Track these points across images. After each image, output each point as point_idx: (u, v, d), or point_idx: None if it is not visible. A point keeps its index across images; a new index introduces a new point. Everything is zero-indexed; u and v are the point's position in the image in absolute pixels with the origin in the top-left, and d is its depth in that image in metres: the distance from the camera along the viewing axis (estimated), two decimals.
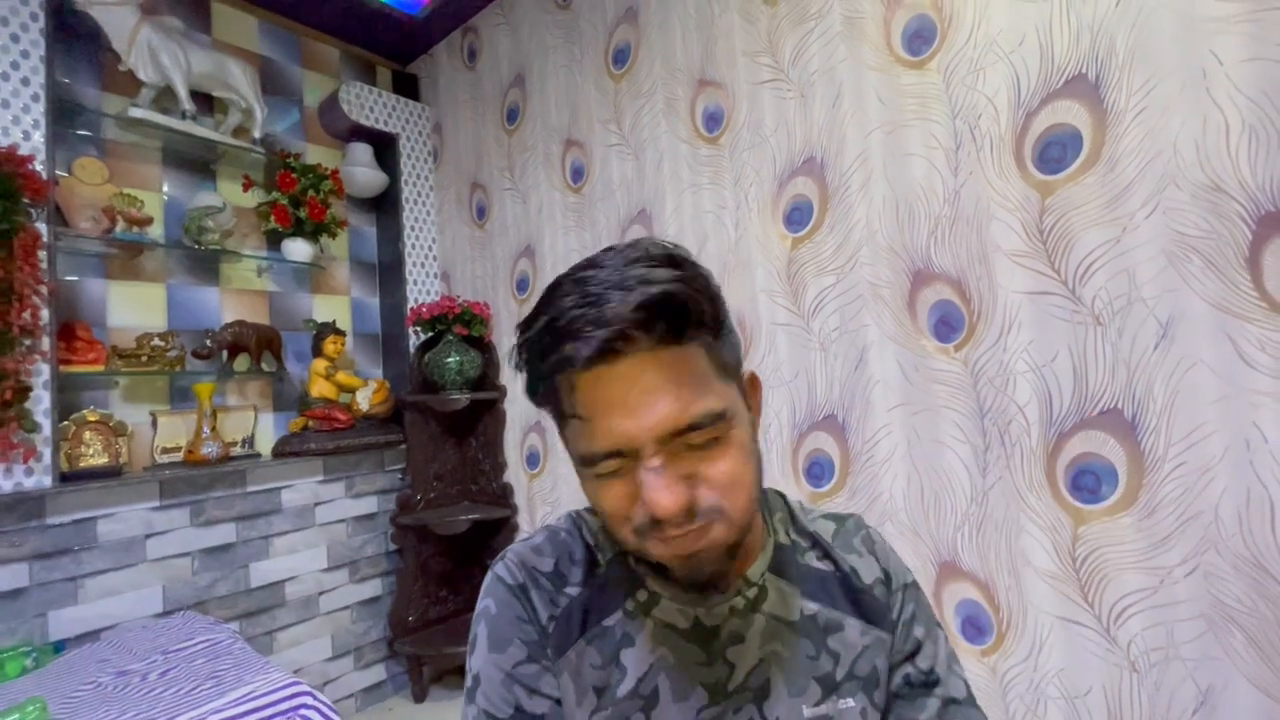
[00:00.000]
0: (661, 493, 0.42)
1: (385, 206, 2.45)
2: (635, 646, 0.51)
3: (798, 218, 1.51)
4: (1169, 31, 1.04)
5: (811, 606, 0.53)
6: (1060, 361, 1.17)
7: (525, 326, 0.46)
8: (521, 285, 2.21)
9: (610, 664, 0.50)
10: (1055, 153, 1.16)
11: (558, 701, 0.49)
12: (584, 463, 0.45)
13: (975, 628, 1.27)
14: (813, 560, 0.56)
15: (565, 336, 0.42)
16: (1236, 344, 1.00)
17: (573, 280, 0.44)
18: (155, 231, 1.87)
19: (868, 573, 0.55)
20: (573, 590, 0.52)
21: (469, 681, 0.51)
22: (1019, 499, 1.21)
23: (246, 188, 2.06)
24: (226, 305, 2.05)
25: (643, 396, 0.42)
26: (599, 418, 0.43)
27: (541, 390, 0.47)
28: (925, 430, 1.33)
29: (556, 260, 2.07)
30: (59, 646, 1.51)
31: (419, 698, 2.13)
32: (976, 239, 1.26)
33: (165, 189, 1.94)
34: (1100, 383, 1.13)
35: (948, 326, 1.30)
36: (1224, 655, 1.02)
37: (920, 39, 1.31)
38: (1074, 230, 1.14)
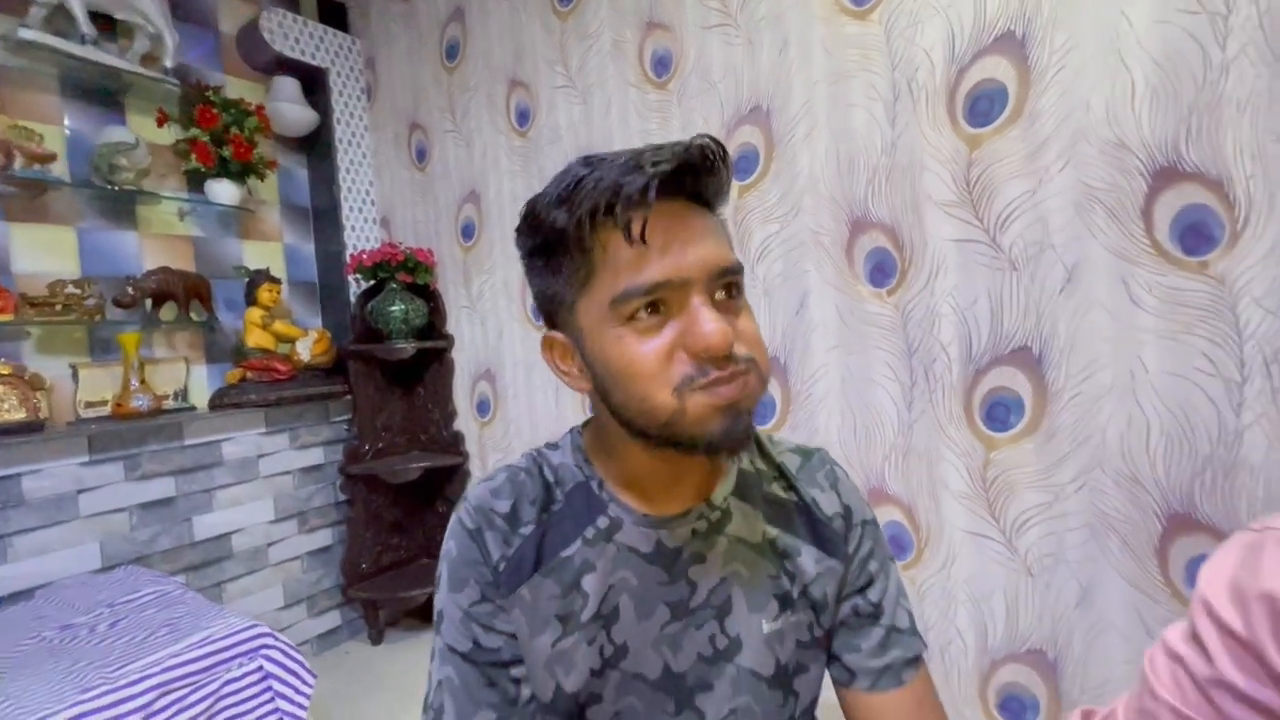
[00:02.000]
0: (714, 323, 0.43)
1: (316, 147, 2.32)
2: (596, 571, 0.53)
3: (744, 166, 1.55)
4: None
5: (772, 531, 0.56)
6: (980, 304, 1.27)
7: (557, 184, 0.46)
8: (467, 231, 2.17)
9: (571, 591, 0.53)
10: (983, 106, 1.24)
11: (512, 636, 0.52)
12: (628, 297, 0.44)
13: (898, 545, 1.41)
14: (777, 490, 0.59)
15: (627, 171, 0.42)
16: (1129, 287, 1.12)
17: (599, 155, 0.46)
18: (59, 169, 1.72)
19: (828, 506, 0.58)
20: (526, 530, 0.54)
21: (436, 616, 0.54)
22: (940, 430, 1.34)
23: (161, 123, 1.90)
24: (147, 251, 1.92)
25: (695, 235, 0.45)
26: (654, 250, 0.44)
27: (572, 239, 0.45)
28: (858, 370, 1.43)
29: (503, 206, 2.03)
30: None
31: (376, 640, 2.18)
32: (910, 189, 1.33)
33: (67, 122, 1.77)
34: (1013, 323, 1.24)
35: (882, 273, 1.39)
36: (1102, 557, 1.18)
37: None
38: (997, 181, 1.23)
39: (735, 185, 1.56)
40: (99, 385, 1.79)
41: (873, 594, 0.57)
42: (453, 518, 0.56)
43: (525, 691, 0.52)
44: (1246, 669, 0.44)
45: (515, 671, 0.52)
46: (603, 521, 0.54)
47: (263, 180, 2.12)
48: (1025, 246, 1.21)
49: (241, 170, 2.00)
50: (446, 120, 2.16)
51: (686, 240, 0.45)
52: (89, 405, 1.76)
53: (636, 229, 0.43)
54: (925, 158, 1.30)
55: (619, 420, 0.49)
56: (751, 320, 0.48)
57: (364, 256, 2.09)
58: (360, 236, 2.33)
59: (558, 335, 0.51)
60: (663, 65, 1.66)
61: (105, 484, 1.68)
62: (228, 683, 1.19)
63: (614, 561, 0.53)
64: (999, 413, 1.27)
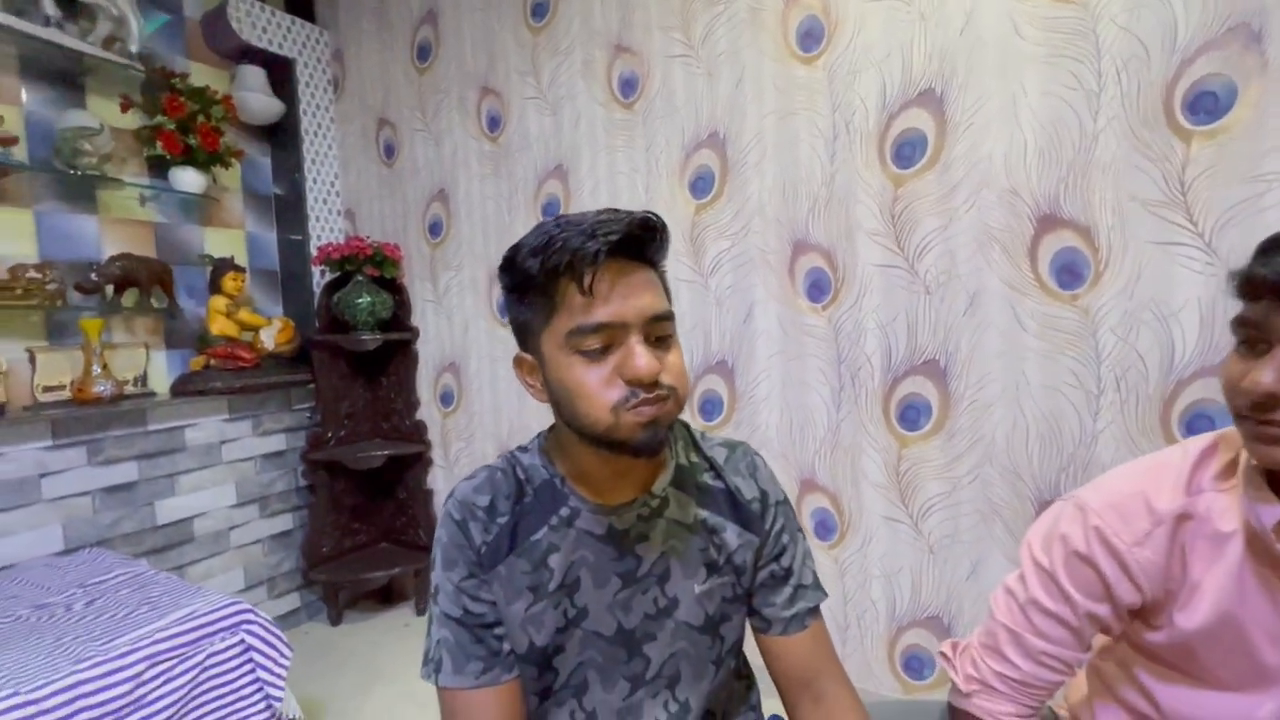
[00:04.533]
0: (644, 358, 0.55)
1: (281, 136, 2.33)
2: (560, 551, 0.64)
3: (701, 186, 1.70)
4: (993, 62, 1.32)
5: (702, 513, 0.68)
6: (899, 321, 1.47)
7: (533, 237, 0.57)
8: (434, 229, 2.24)
9: (540, 567, 0.64)
10: (907, 151, 1.43)
11: (493, 603, 0.65)
12: (579, 333, 0.56)
13: (825, 528, 1.62)
14: (707, 479, 0.71)
15: (585, 237, 0.54)
16: (1016, 312, 1.34)
17: (567, 217, 0.57)
18: (18, 153, 1.71)
19: (748, 491, 0.70)
20: (502, 519, 0.65)
21: (432, 590, 0.66)
22: (862, 429, 1.54)
23: (125, 108, 1.89)
24: (107, 235, 1.91)
25: (634, 288, 0.57)
26: (600, 299, 0.55)
27: (540, 284, 0.57)
28: (795, 374, 1.61)
29: (472, 207, 2.12)
30: None
31: (335, 621, 2.25)
32: (845, 217, 1.52)
33: (26, 104, 1.75)
34: (925, 339, 1.45)
35: (818, 289, 1.57)
36: (989, 538, 1.41)
37: (811, 38, 1.51)
38: (916, 216, 1.43)
39: (693, 203, 1.72)
40: (57, 369, 1.79)
41: (784, 560, 0.71)
42: (442, 511, 0.68)
43: (506, 646, 0.65)
44: (1049, 591, 0.65)
45: (498, 631, 0.65)
46: (565, 511, 0.65)
47: (228, 168, 2.13)
48: (937, 274, 1.42)
49: (208, 159, 2.01)
50: (416, 119, 2.22)
51: (627, 293, 0.56)
52: (47, 390, 1.76)
53: (586, 282, 0.55)
54: (858, 191, 1.49)
55: (570, 428, 0.61)
56: (679, 356, 0.60)
57: (332, 250, 2.14)
58: (325, 228, 2.37)
59: (526, 356, 0.63)
60: (629, 87, 1.79)
61: (68, 468, 1.69)
62: (211, 655, 1.27)
63: (574, 543, 0.64)
64: (911, 415, 1.48)
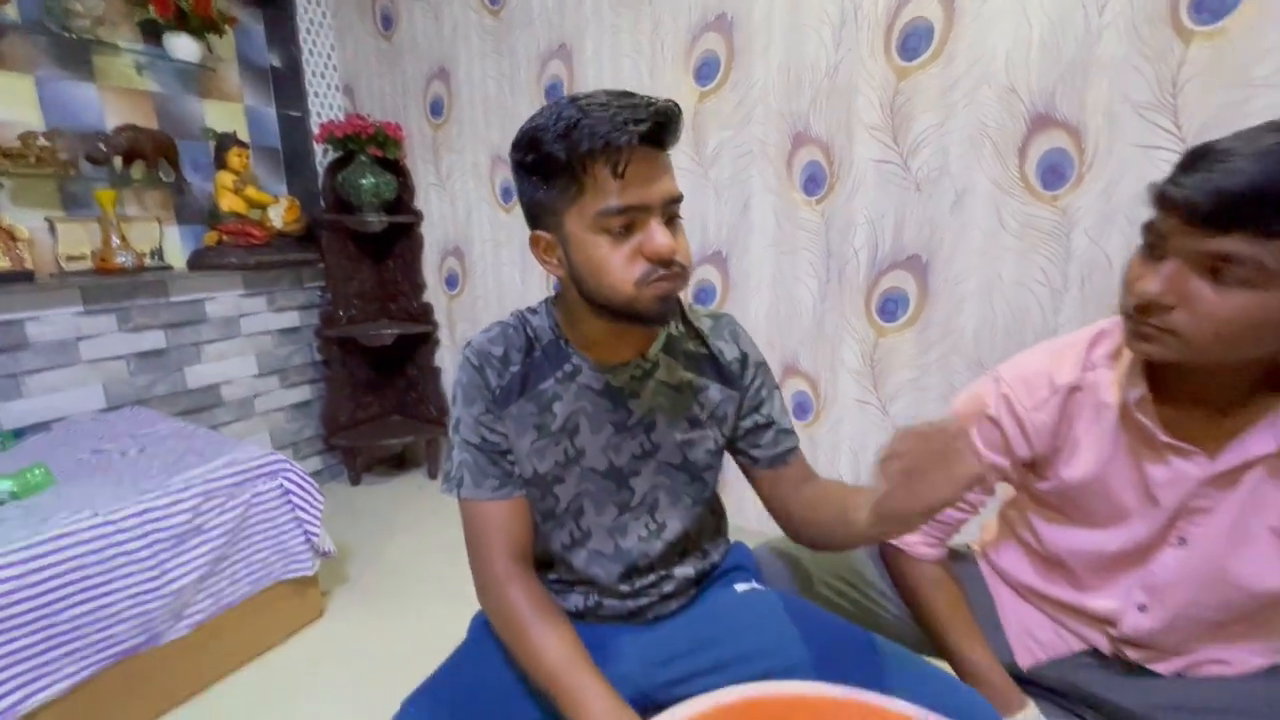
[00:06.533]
0: (665, 238, 0.62)
1: (274, 2, 2.24)
2: (563, 400, 0.74)
3: (706, 72, 1.69)
4: None
5: (688, 375, 0.78)
6: (887, 218, 1.53)
7: (552, 120, 0.60)
8: (435, 109, 2.22)
9: (545, 411, 0.74)
10: (913, 43, 1.42)
11: (505, 435, 0.77)
12: (606, 214, 0.61)
13: (802, 409, 1.77)
14: (693, 346, 0.79)
15: (613, 126, 0.58)
16: (999, 211, 1.40)
17: (585, 98, 0.61)
18: (10, 11, 1.67)
19: (730, 353, 0.80)
20: (514, 369, 0.74)
21: (453, 423, 0.78)
22: (844, 320, 1.65)
23: None
24: (108, 105, 1.91)
25: (656, 173, 0.62)
26: (628, 183, 0.60)
27: (567, 167, 0.61)
28: (786, 268, 1.69)
29: (474, 87, 2.09)
30: (18, 433, 1.63)
31: (355, 481, 2.48)
32: (845, 110, 1.53)
33: None
34: (911, 235, 1.52)
35: (814, 183, 1.62)
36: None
37: None
38: (914, 112, 1.45)
39: (697, 90, 1.71)
40: (77, 240, 1.85)
41: (764, 410, 0.82)
42: (460, 358, 0.79)
43: (516, 470, 0.78)
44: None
45: (510, 457, 0.77)
46: (569, 367, 0.75)
47: (221, 36, 2.08)
48: (929, 171, 1.46)
49: (201, 25, 1.95)
50: None
51: (650, 177, 0.62)
52: (70, 259, 1.84)
53: (620, 169, 0.60)
54: (860, 83, 1.49)
55: (586, 300, 0.67)
56: (684, 239, 0.67)
57: (334, 128, 2.13)
58: (324, 104, 2.34)
59: (544, 234, 0.68)
60: None
61: (101, 334, 1.81)
62: (256, 495, 1.46)
63: (576, 394, 0.74)
64: (890, 307, 1.58)
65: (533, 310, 0.80)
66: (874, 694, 0.58)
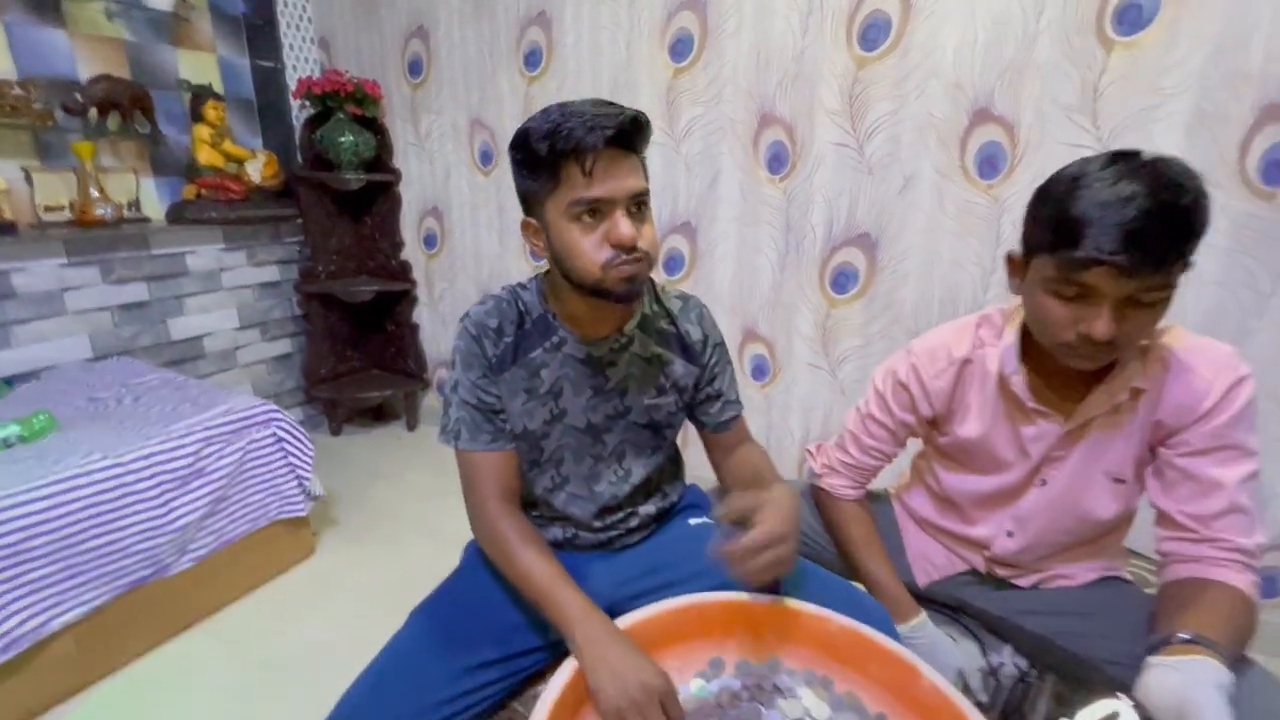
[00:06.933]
0: (627, 227, 0.71)
1: None
2: (549, 368, 0.85)
3: (681, 49, 1.77)
4: None
5: (658, 350, 0.89)
6: (843, 197, 1.67)
7: (541, 123, 0.71)
8: (414, 68, 2.24)
9: (534, 377, 0.85)
10: (873, 35, 1.53)
11: (499, 397, 0.89)
12: (577, 205, 0.71)
13: (760, 371, 1.93)
14: (664, 324, 0.90)
15: (586, 130, 0.68)
16: (941, 196, 1.55)
17: (570, 106, 0.71)
18: None
19: (695, 334, 0.91)
20: (507, 340, 0.84)
21: (451, 385, 0.89)
22: (800, 290, 1.79)
23: None
24: (80, 53, 1.89)
25: (621, 172, 0.71)
26: (595, 179, 0.70)
27: (548, 163, 0.71)
28: (750, 239, 1.82)
29: (453, 48, 2.12)
30: (9, 381, 1.69)
31: (335, 432, 2.58)
32: (809, 94, 1.64)
33: None
34: (863, 215, 1.65)
35: (778, 162, 1.73)
36: None
37: None
38: (871, 100, 1.57)
39: (671, 67, 1.79)
40: (54, 190, 1.87)
41: (716, 385, 0.94)
42: (459, 328, 0.90)
43: (507, 426, 0.91)
44: (879, 406, 0.95)
45: (502, 416, 0.90)
46: (555, 339, 0.85)
47: None
48: (881, 156, 1.59)
49: None
50: None
51: (616, 175, 0.71)
52: (48, 210, 1.86)
53: (587, 166, 0.70)
54: (824, 70, 1.60)
55: (565, 278, 0.77)
56: (652, 228, 0.76)
57: (312, 83, 2.14)
58: (300, 57, 2.33)
59: (532, 220, 0.78)
60: None
61: (86, 285, 1.86)
62: (251, 441, 1.56)
63: (560, 363, 0.85)
64: (842, 280, 1.73)
65: (524, 286, 0.91)
66: (794, 600, 0.75)
